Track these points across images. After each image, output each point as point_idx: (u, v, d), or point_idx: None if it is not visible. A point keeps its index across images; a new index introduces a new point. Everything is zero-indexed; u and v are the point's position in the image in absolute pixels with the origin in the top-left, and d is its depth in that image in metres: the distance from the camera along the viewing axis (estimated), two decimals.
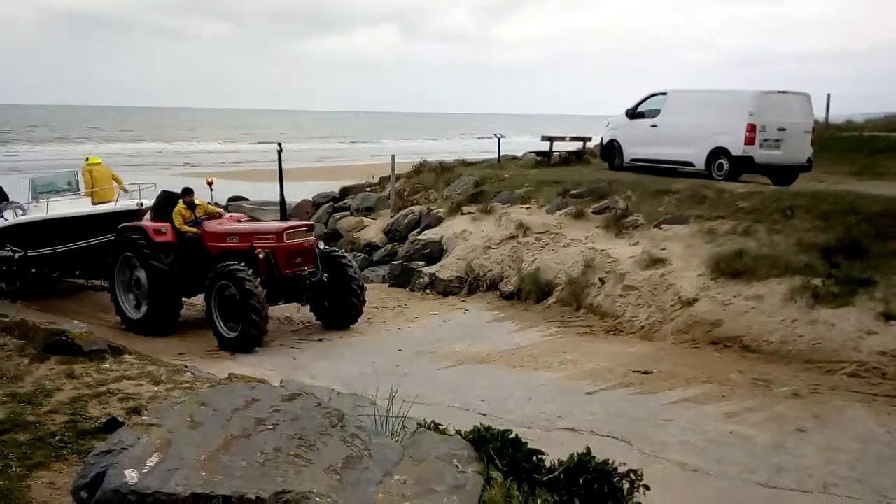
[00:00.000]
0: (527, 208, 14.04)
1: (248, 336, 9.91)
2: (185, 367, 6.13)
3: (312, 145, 64.26)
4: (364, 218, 17.44)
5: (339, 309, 11.11)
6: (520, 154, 22.05)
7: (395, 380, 7.84)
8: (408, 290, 13.28)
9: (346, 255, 11.78)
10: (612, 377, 8.24)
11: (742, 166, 14.04)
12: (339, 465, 3.16)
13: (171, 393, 4.69)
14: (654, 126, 15.67)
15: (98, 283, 13.54)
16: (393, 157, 18.12)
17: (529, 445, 3.71)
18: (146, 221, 11.89)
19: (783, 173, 14.43)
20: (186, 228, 11.51)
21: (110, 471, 3.03)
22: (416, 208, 16.09)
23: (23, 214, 14.22)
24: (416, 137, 75.52)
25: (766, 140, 13.94)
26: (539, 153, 20.12)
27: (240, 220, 12.00)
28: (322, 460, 3.17)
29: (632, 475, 3.68)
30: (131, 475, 3.00)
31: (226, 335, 10.21)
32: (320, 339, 10.56)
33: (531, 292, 11.77)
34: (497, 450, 3.56)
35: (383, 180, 19.68)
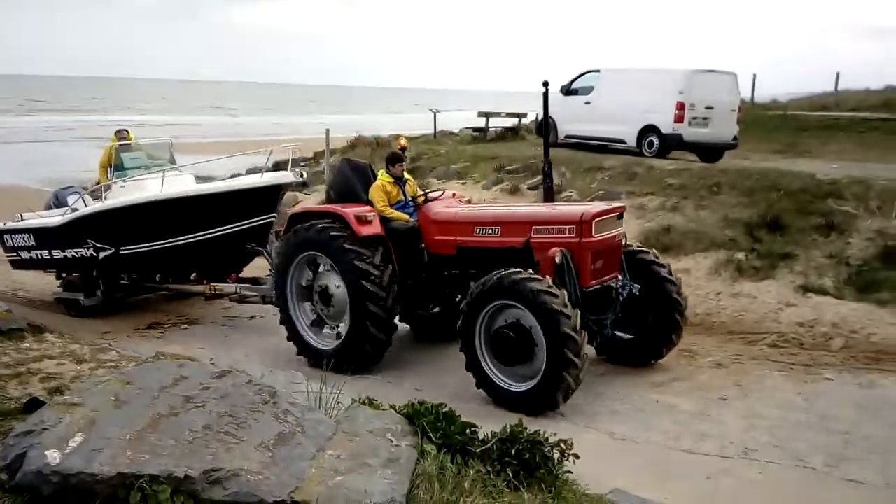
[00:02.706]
0: (462, 184, 14.10)
1: (557, 386, 6.28)
2: (110, 345, 5.94)
3: (245, 118, 62.63)
4: (298, 194, 17.14)
5: (645, 334, 7.59)
6: (456, 129, 22.08)
7: None
8: None
9: (656, 254, 7.74)
10: None
11: (671, 144, 14.44)
12: (272, 442, 3.12)
13: (95, 372, 4.53)
14: (587, 103, 15.94)
15: (233, 290, 9.64)
16: (327, 130, 17.86)
17: (463, 418, 3.75)
18: (330, 205, 8.15)
19: (710, 151, 14.91)
20: (395, 214, 7.92)
21: (31, 452, 2.91)
22: None
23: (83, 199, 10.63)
24: (351, 111, 74.49)
25: (694, 118, 14.38)
26: (475, 129, 20.20)
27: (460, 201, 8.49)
28: (253, 437, 3.12)
29: (562, 445, 3.78)
30: (53, 456, 2.89)
31: (506, 387, 6.64)
32: (253, 317, 10.37)
33: None
34: (431, 423, 3.59)
35: (318, 155, 19.39)
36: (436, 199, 8.10)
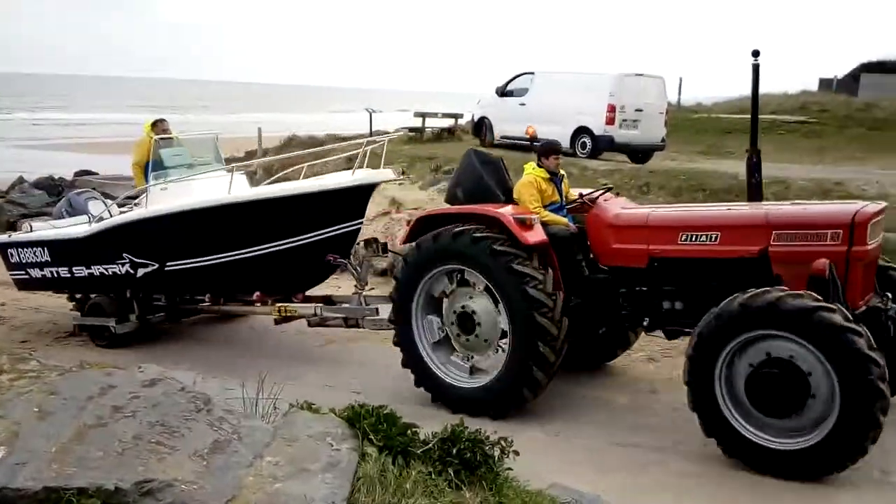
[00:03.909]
0: (399, 184, 14.04)
1: (853, 447, 4.95)
2: (30, 354, 5.66)
3: (179, 116, 60.65)
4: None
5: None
6: (392, 130, 22.04)
7: (268, 361, 7.69)
8: None
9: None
10: None
11: (603, 145, 14.80)
12: (206, 451, 3.05)
13: (16, 383, 4.32)
14: (522, 104, 16.19)
15: (312, 312, 8.04)
16: (259, 129, 17.60)
17: (404, 419, 3.74)
18: (475, 205, 6.57)
19: (640, 152, 15.34)
20: (553, 217, 6.51)
21: None
22: None
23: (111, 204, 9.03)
24: (283, 110, 73.17)
25: (624, 120, 14.77)
26: (412, 129, 20.21)
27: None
28: (187, 446, 3.04)
29: (503, 442, 3.82)
30: None
31: (756, 440, 5.23)
32: (189, 323, 10.07)
33: None
34: (372, 425, 3.57)
35: (249, 154, 19.03)
36: (596, 198, 6.75)
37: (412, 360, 6.75)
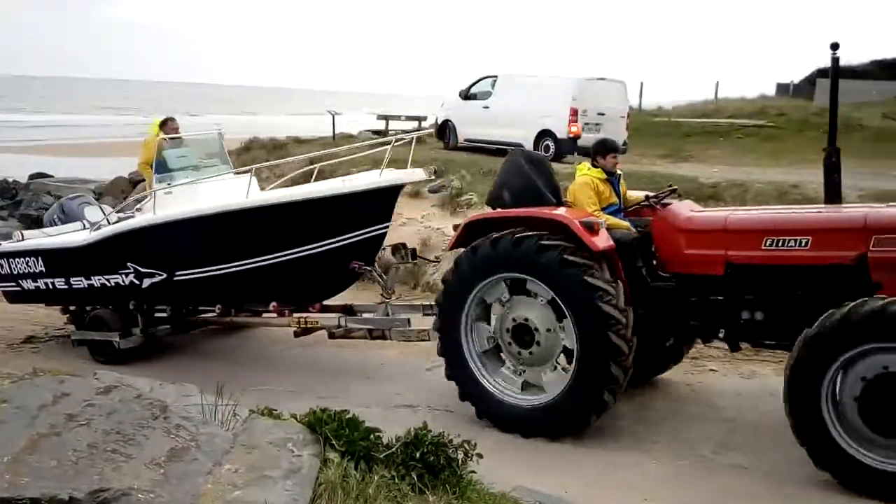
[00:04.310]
0: None
1: None
2: None
3: (127, 118, 59.53)
4: None
5: None
6: (355, 132, 21.94)
7: (230, 367, 7.59)
8: None
9: None
10: None
11: (566, 148, 14.94)
12: (163, 459, 3.00)
13: None
14: (485, 108, 16.28)
15: (336, 323, 7.51)
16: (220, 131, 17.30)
17: (367, 424, 3.72)
18: (530, 208, 6.08)
19: None
20: (614, 221, 6.06)
21: None
22: None
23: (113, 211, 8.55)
24: (243, 111, 72.08)
25: (586, 124, 14.94)
26: (375, 132, 20.17)
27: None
28: (144, 454, 2.99)
29: (466, 445, 3.82)
30: None
31: (858, 456, 4.81)
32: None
33: None
34: (334, 431, 3.54)
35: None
36: (660, 199, 6.28)
37: (458, 372, 6.28)
